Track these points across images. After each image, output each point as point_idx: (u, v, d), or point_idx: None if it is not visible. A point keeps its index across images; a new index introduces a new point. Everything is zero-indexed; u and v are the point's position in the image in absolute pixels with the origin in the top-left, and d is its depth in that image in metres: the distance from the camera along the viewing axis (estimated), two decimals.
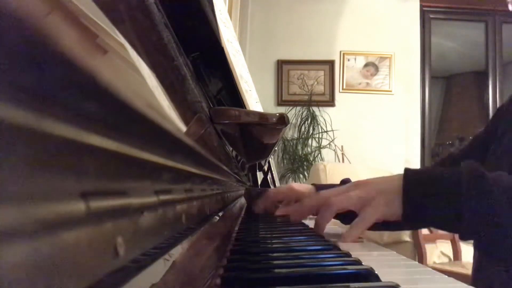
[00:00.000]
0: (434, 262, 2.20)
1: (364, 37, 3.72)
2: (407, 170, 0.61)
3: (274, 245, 0.55)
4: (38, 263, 0.09)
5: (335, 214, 0.65)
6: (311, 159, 3.55)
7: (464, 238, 0.58)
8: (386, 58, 3.72)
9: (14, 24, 0.08)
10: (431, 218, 0.58)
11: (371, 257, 0.51)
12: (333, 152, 3.61)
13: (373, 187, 0.62)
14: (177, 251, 0.24)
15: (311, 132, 3.61)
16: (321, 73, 3.74)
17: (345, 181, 0.81)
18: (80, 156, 0.11)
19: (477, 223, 0.55)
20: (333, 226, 0.81)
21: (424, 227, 0.60)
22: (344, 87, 3.72)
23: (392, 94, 3.69)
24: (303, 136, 3.61)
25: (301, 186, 0.88)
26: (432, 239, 2.18)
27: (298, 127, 3.64)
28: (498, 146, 0.78)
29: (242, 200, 1.09)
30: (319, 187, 0.86)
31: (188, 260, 0.26)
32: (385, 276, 0.36)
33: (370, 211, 0.59)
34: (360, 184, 0.64)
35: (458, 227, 0.56)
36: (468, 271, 0.96)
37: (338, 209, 0.63)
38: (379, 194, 0.60)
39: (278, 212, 0.80)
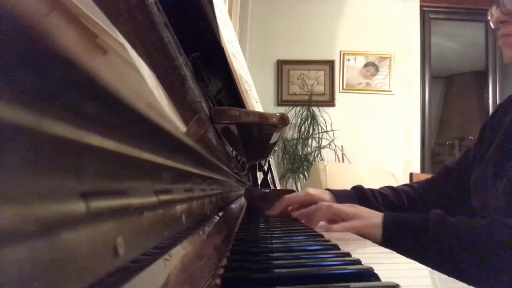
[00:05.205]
0: None
1: (364, 37, 3.71)
2: (386, 214, 0.79)
3: (274, 245, 0.55)
4: (38, 263, 0.09)
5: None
6: (311, 159, 3.54)
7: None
8: (386, 58, 3.72)
9: (15, 24, 0.08)
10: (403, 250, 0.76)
11: (371, 256, 0.51)
12: (333, 152, 3.61)
13: (365, 210, 0.81)
14: (177, 251, 0.24)
15: (311, 132, 3.61)
16: (321, 73, 3.74)
17: (357, 188, 1.01)
18: (80, 156, 0.11)
19: (438, 258, 0.69)
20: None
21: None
22: (344, 87, 3.72)
23: (392, 94, 3.69)
24: (303, 136, 3.61)
25: (316, 190, 0.98)
26: None
27: (298, 127, 3.64)
28: (484, 155, 0.90)
29: (242, 200, 1.09)
30: (335, 193, 0.98)
31: (188, 260, 0.26)
32: (385, 276, 0.36)
33: (358, 223, 0.76)
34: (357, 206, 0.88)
35: (424, 261, 0.69)
36: None
37: (333, 213, 0.80)
38: (367, 218, 0.77)
39: (295, 215, 0.90)
